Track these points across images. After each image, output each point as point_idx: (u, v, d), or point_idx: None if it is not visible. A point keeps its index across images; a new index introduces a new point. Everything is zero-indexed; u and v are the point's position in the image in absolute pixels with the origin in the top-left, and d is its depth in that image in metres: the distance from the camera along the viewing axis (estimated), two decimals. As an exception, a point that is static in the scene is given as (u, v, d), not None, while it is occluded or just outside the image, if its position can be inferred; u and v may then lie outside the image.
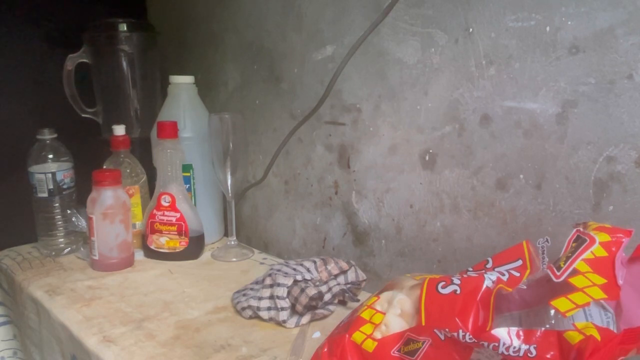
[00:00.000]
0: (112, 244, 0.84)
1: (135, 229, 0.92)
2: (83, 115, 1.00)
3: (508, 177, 0.62)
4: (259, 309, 0.67)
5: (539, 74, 0.57)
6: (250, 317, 0.68)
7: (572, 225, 0.48)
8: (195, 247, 0.91)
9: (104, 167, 0.91)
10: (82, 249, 0.92)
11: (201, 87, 0.98)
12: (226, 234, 1.00)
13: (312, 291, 0.65)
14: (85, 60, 0.98)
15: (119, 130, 0.91)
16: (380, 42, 0.72)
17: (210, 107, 0.98)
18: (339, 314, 0.68)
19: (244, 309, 0.69)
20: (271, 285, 0.68)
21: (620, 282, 0.42)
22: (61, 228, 0.91)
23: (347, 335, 0.50)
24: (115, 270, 0.85)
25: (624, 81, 0.51)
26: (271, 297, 0.68)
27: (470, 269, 0.53)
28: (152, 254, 0.90)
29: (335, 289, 0.69)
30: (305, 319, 0.67)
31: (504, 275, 0.48)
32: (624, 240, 0.44)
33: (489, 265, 0.52)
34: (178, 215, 0.88)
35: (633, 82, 0.51)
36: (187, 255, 0.90)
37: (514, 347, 0.41)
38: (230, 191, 0.89)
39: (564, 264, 0.43)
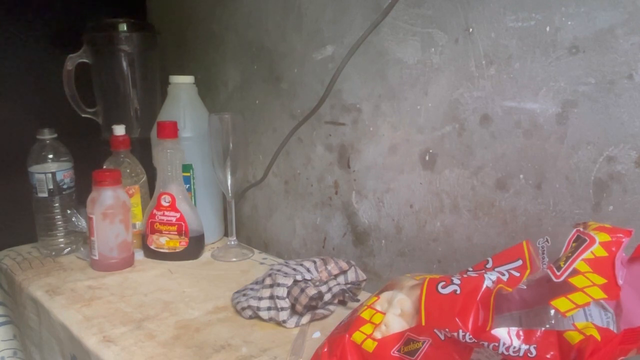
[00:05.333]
0: (112, 244, 0.84)
1: (135, 229, 0.92)
2: (83, 115, 1.00)
3: (508, 177, 0.62)
4: (259, 309, 0.67)
5: (539, 74, 0.57)
6: (250, 317, 0.68)
7: (572, 225, 0.49)
8: (195, 247, 0.91)
9: (104, 167, 0.91)
10: (82, 249, 0.92)
11: (201, 87, 0.98)
12: (226, 234, 1.00)
13: (312, 291, 0.65)
14: (85, 60, 0.98)
15: (119, 130, 0.91)
16: (380, 42, 0.72)
17: (210, 107, 0.98)
18: (339, 314, 0.68)
19: (244, 309, 0.69)
20: (271, 285, 0.68)
21: (620, 282, 0.42)
22: (61, 228, 0.91)
23: (347, 335, 0.50)
24: (115, 270, 0.85)
25: (624, 81, 0.51)
26: (271, 297, 0.68)
27: (470, 269, 0.53)
28: (152, 254, 0.90)
29: (335, 289, 0.69)
30: (305, 319, 0.67)
31: (504, 275, 0.48)
32: (624, 240, 0.44)
33: (489, 265, 0.52)
34: (178, 215, 0.88)
35: (633, 82, 0.51)
36: (187, 255, 0.90)
37: (514, 347, 0.41)
38: (230, 191, 0.89)
39: (564, 264, 0.43)
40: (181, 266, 0.88)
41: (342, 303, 0.72)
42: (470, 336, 0.43)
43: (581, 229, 0.47)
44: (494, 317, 0.43)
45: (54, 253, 0.91)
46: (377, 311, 0.52)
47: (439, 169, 0.69)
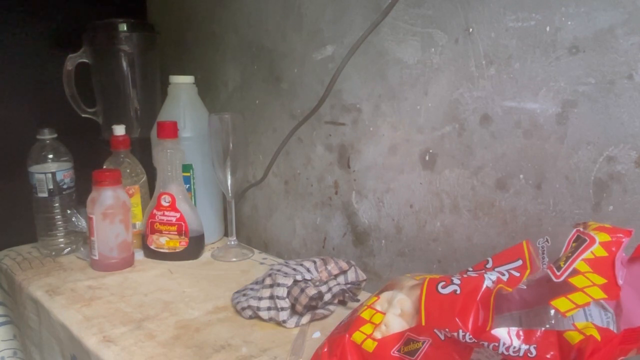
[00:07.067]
0: (112, 244, 0.84)
1: (135, 229, 0.92)
2: (83, 115, 1.00)
3: (508, 177, 0.62)
4: (259, 309, 0.67)
5: (539, 74, 0.57)
6: (250, 317, 0.68)
7: (572, 225, 0.49)
8: (195, 247, 0.91)
9: (104, 167, 0.91)
10: (82, 249, 0.92)
11: (201, 87, 0.98)
12: (226, 234, 1.00)
13: (312, 291, 0.65)
14: (85, 60, 0.98)
15: (119, 130, 0.91)
16: (380, 42, 0.72)
17: (210, 107, 0.98)
18: (339, 314, 0.68)
19: (244, 309, 0.69)
20: (271, 286, 0.68)
21: (620, 282, 0.42)
22: (61, 228, 0.91)
23: (347, 335, 0.50)
24: (115, 270, 0.85)
25: (624, 81, 0.51)
26: (271, 297, 0.68)
27: (470, 269, 0.53)
28: (152, 254, 0.90)
29: (335, 289, 0.69)
30: (305, 319, 0.67)
31: (504, 275, 0.48)
32: (624, 240, 0.44)
33: (489, 265, 0.52)
34: (178, 215, 0.88)
35: (633, 82, 0.51)
36: (187, 255, 0.90)
37: (514, 347, 0.41)
38: (230, 191, 0.89)
39: (564, 264, 0.43)
40: (181, 266, 0.88)
41: (342, 303, 0.72)
42: (470, 336, 0.43)
43: (581, 229, 0.47)
44: (494, 317, 0.43)
45: (54, 253, 0.91)
46: (377, 311, 0.52)
47: (439, 169, 0.69)
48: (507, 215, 0.63)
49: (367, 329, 0.50)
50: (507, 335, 0.41)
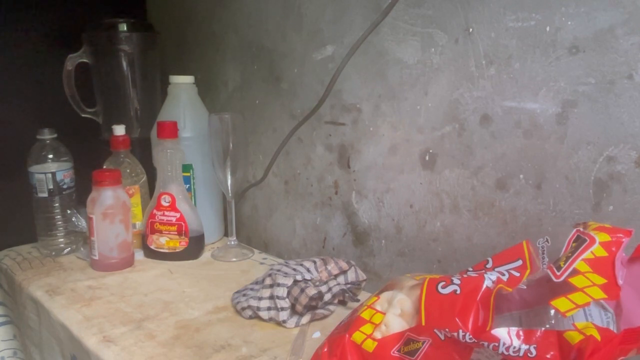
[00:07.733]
0: (112, 244, 0.84)
1: (135, 229, 0.92)
2: (83, 115, 1.00)
3: (508, 177, 0.62)
4: (258, 309, 0.67)
5: (539, 74, 0.57)
6: (250, 317, 0.68)
7: (572, 225, 0.48)
8: (195, 247, 0.91)
9: (104, 167, 0.91)
10: (82, 249, 0.92)
11: (201, 87, 0.98)
12: (226, 234, 1.00)
13: (312, 291, 0.65)
14: (85, 60, 0.98)
15: (119, 130, 0.91)
16: (380, 42, 0.72)
17: (210, 107, 0.98)
18: (339, 314, 0.68)
19: (243, 309, 0.69)
20: (271, 286, 0.68)
21: (620, 282, 0.42)
22: (61, 228, 0.91)
23: (347, 335, 0.50)
24: (115, 270, 0.85)
25: (624, 81, 0.51)
26: (271, 297, 0.68)
27: (470, 269, 0.53)
28: (152, 254, 0.90)
29: (335, 289, 0.69)
30: (305, 319, 0.67)
31: (504, 275, 0.48)
32: (624, 240, 0.44)
33: (489, 265, 0.52)
34: (178, 215, 0.88)
35: (633, 82, 0.51)
36: (187, 255, 0.90)
37: (514, 347, 0.41)
38: (230, 191, 0.89)
39: (564, 264, 0.43)
40: (181, 266, 0.88)
41: (342, 303, 0.72)
42: (470, 336, 0.43)
43: (581, 229, 0.47)
44: (494, 317, 0.43)
45: (54, 253, 0.91)
46: (377, 311, 0.52)
47: (439, 169, 0.69)
48: (507, 215, 0.63)
49: (367, 329, 0.50)
50: (507, 335, 0.41)
